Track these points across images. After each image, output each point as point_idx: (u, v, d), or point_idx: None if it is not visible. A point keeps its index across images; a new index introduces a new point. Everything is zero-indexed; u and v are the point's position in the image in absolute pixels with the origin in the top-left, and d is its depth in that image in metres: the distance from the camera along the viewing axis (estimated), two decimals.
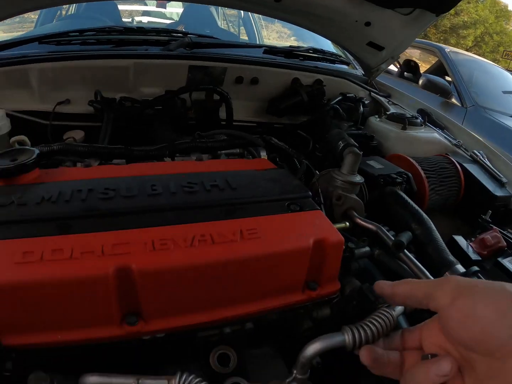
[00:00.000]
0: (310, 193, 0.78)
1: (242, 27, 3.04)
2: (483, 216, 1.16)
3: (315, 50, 1.64)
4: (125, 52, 1.33)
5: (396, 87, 1.94)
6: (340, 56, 1.75)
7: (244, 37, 2.66)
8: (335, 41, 1.66)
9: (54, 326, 0.56)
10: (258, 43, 2.52)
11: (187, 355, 0.66)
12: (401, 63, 4.18)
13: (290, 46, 1.61)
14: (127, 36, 1.48)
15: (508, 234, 1.11)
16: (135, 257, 0.56)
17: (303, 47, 1.62)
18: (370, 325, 0.52)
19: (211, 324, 0.63)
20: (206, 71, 1.33)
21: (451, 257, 0.89)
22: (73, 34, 1.44)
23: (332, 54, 1.71)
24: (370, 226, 0.88)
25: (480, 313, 0.39)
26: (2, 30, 1.78)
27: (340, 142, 0.95)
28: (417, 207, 1.02)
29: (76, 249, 0.57)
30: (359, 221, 0.88)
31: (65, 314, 0.56)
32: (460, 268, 0.86)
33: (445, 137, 1.50)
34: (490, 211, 1.16)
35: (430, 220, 0.99)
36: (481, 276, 0.82)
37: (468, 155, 1.42)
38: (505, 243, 1.04)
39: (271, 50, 1.52)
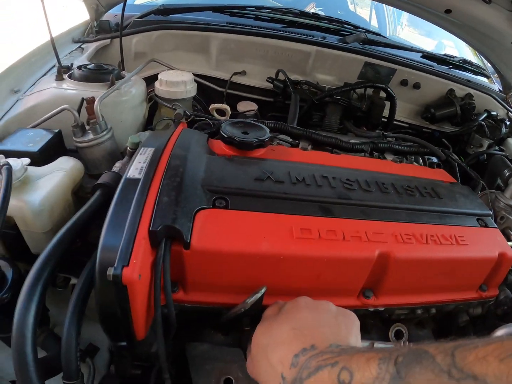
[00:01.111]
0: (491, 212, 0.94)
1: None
2: None
3: (464, 61, 1.71)
4: (309, 38, 1.45)
5: None
6: (484, 70, 1.81)
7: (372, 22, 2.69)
8: (485, 56, 1.72)
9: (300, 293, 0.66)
10: (388, 30, 2.56)
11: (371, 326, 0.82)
12: None
13: (445, 55, 1.69)
14: (300, 19, 1.56)
15: None
16: (391, 246, 0.70)
17: (456, 56, 1.70)
18: None
19: (415, 305, 0.79)
20: (376, 69, 1.45)
21: None
22: (250, 8, 1.55)
23: (477, 66, 1.77)
24: None
25: None
26: None
27: (506, 170, 1.08)
28: None
29: (346, 232, 0.69)
30: None
31: (318, 284, 0.69)
32: None
33: None
34: None
35: None
36: None
37: None
38: None
39: (429, 55, 1.62)
